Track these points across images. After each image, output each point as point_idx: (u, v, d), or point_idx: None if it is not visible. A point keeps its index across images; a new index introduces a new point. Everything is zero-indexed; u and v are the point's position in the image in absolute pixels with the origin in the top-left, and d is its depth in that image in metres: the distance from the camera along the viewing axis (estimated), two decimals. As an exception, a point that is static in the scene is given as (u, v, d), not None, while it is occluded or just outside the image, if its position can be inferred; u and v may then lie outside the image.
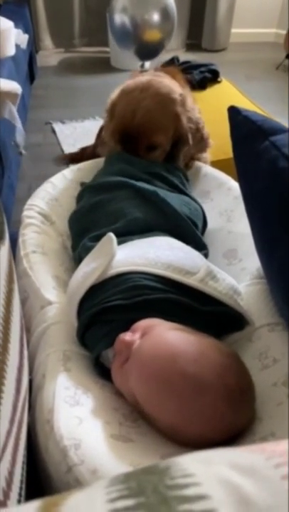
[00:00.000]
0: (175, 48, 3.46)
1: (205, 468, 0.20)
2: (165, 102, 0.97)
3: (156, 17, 2.22)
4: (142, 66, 2.48)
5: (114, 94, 1.05)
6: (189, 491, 0.19)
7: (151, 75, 1.08)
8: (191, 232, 0.83)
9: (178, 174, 0.98)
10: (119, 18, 2.26)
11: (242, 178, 0.70)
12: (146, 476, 0.21)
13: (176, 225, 0.83)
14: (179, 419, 0.53)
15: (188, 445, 0.52)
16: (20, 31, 2.07)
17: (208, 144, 1.10)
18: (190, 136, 1.00)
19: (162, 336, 0.58)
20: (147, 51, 2.30)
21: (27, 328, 0.73)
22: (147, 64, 2.97)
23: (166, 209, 0.83)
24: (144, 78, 1.01)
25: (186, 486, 0.19)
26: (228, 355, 0.58)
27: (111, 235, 0.72)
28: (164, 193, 0.86)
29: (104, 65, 3.26)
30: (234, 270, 0.82)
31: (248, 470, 0.20)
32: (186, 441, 0.53)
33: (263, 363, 0.65)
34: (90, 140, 1.89)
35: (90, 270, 0.69)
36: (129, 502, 0.18)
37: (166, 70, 1.21)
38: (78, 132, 2.27)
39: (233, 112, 0.72)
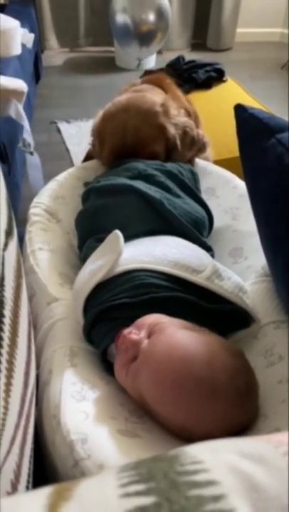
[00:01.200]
0: (180, 48, 3.46)
1: (213, 456, 0.21)
2: (148, 118, 0.98)
3: (152, 16, 2.42)
4: (138, 65, 2.55)
5: (97, 118, 1.06)
6: (199, 477, 0.19)
7: (133, 91, 1.10)
8: (195, 239, 0.82)
9: (190, 172, 0.98)
10: (121, 18, 2.44)
11: (248, 176, 0.70)
12: (156, 463, 0.21)
13: (181, 233, 0.81)
14: (189, 420, 0.53)
15: (194, 441, 0.52)
16: (26, 30, 2.07)
17: (206, 143, 1.10)
18: (178, 143, 1.02)
19: (174, 336, 0.57)
20: (145, 38, 2.47)
21: (33, 324, 0.74)
22: (150, 62, 2.99)
23: (171, 219, 0.82)
24: (122, 98, 1.03)
25: (195, 472, 0.20)
26: (235, 355, 0.58)
27: (118, 232, 0.72)
28: (170, 202, 0.84)
29: (109, 65, 3.26)
30: (240, 268, 0.83)
31: (258, 458, 0.20)
32: (192, 438, 0.53)
33: (269, 361, 0.65)
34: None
35: (96, 267, 0.69)
36: (140, 487, 0.19)
37: (152, 79, 1.22)
38: (83, 131, 2.27)
39: (240, 110, 0.72)
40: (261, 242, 0.71)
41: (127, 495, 0.18)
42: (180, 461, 0.21)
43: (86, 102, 2.67)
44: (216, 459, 0.20)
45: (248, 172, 0.70)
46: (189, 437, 0.53)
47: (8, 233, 0.44)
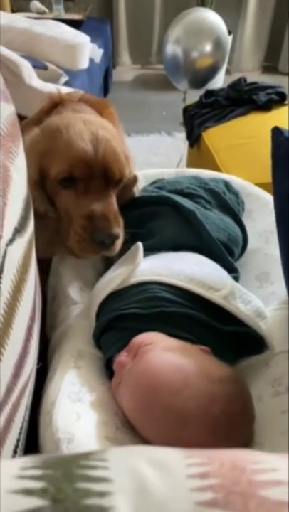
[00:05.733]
0: (250, 69, 3.45)
1: (122, 457, 0.21)
2: (116, 136, 0.81)
3: (208, 47, 2.23)
4: (184, 100, 2.36)
5: (30, 140, 0.77)
6: (95, 473, 0.20)
7: (73, 110, 0.87)
8: (222, 257, 0.80)
9: (235, 195, 0.98)
10: (171, 49, 2.27)
11: (276, 200, 0.69)
12: (70, 456, 0.22)
13: (208, 248, 0.80)
14: (165, 445, 0.53)
15: None
16: (95, 46, 2.17)
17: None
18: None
19: (150, 362, 0.57)
20: (200, 78, 2.30)
21: (52, 324, 0.76)
22: (218, 82, 2.98)
23: (201, 231, 0.81)
24: (68, 115, 0.83)
25: (94, 467, 0.20)
26: (218, 381, 0.55)
27: (139, 244, 0.73)
28: (204, 214, 0.84)
29: (177, 83, 3.32)
30: (264, 293, 0.81)
31: (161, 464, 0.20)
32: None
33: (276, 390, 0.63)
34: (152, 154, 1.89)
35: (114, 275, 0.71)
36: (36, 472, 0.20)
37: (94, 102, 0.99)
38: (142, 146, 2.33)
39: (276, 133, 0.72)
40: (283, 269, 0.69)
41: (21, 477, 0.19)
42: (90, 456, 0.21)
43: (149, 117, 2.73)
44: (122, 460, 0.21)
45: (276, 196, 0.69)
46: None
47: (18, 230, 0.47)
